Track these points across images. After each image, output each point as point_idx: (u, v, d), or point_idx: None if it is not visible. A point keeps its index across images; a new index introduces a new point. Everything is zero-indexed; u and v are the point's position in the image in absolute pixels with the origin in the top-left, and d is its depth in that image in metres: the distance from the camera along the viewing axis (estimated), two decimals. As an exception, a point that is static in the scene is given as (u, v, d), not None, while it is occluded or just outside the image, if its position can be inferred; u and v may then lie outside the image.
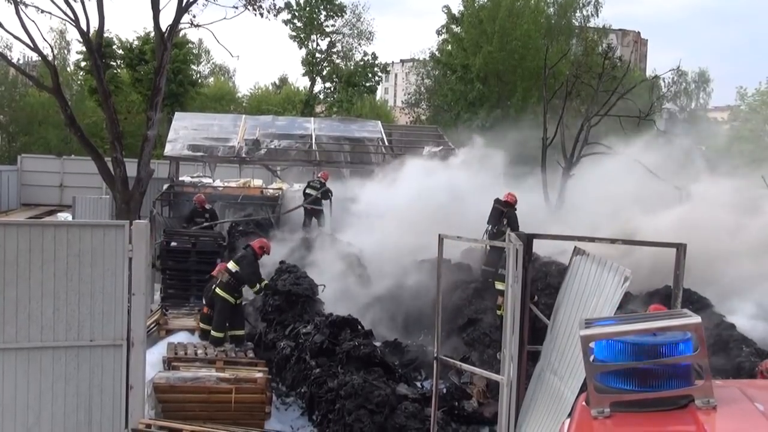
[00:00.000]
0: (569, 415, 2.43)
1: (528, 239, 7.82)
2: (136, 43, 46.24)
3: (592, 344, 2.26)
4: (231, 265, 12.47)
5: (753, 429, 2.11)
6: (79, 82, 50.52)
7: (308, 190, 19.87)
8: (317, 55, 53.11)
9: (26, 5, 19.98)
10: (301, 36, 52.22)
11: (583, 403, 2.29)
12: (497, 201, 15.84)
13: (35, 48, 20.30)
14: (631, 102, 24.46)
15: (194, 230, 17.32)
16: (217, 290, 12.22)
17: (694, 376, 2.23)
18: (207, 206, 18.84)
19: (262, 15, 23.02)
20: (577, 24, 45.28)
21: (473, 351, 12.54)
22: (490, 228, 15.47)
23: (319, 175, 20.46)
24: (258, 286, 12.56)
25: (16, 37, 23.10)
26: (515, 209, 15.67)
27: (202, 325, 12.69)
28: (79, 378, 7.72)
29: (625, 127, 24.07)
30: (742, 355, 11.13)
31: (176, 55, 41.72)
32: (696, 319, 2.23)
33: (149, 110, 20.64)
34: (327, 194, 19.67)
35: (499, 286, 12.17)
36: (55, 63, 21.79)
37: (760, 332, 12.34)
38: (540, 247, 11.28)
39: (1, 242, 7.42)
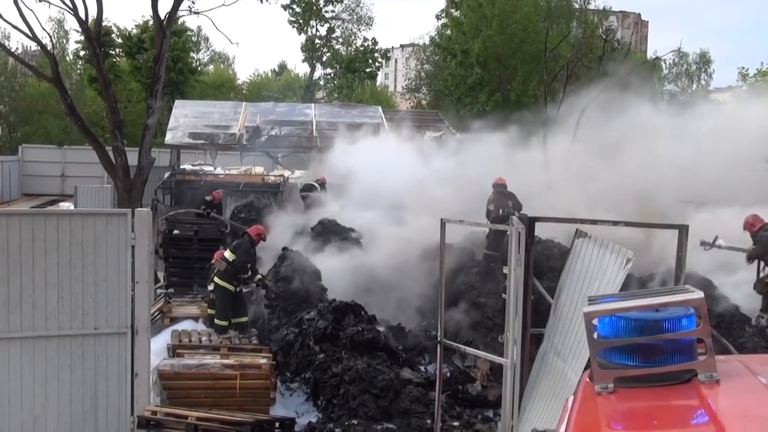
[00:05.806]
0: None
1: (530, 222, 7.85)
2: (134, 31, 46.12)
3: (595, 321, 2.27)
4: (228, 254, 12.38)
5: (756, 402, 2.12)
6: (78, 72, 50.47)
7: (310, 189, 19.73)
8: (317, 41, 52.88)
9: (25, -6, 19.96)
10: (301, 22, 51.97)
11: (587, 379, 2.30)
12: (500, 185, 15.84)
13: (34, 37, 20.29)
14: (632, 84, 24.35)
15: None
16: (216, 279, 12.19)
17: (697, 351, 2.24)
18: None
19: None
20: (577, 6, 45.10)
21: (476, 335, 12.56)
22: (493, 210, 15.45)
23: (318, 180, 20.26)
24: (252, 273, 12.47)
25: (14, 27, 23.10)
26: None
27: (209, 311, 12.70)
28: (85, 366, 7.73)
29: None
30: (745, 336, 11.14)
31: (175, 43, 41.57)
32: (698, 294, 2.24)
33: (149, 98, 20.63)
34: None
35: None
36: (55, 52, 21.75)
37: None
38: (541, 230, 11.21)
39: (4, 232, 7.41)
